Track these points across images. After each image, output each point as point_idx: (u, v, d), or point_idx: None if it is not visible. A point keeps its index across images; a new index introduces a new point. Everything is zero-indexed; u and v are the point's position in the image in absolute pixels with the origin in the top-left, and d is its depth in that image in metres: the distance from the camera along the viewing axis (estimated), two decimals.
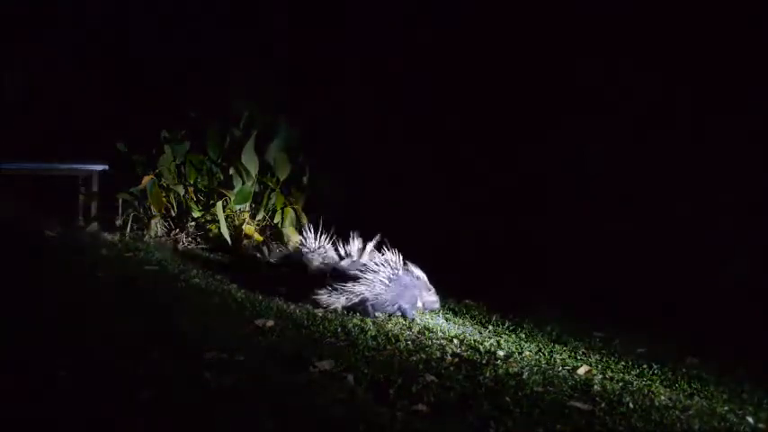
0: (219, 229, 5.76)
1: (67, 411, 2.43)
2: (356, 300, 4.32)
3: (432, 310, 4.60)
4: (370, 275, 4.32)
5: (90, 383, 2.66)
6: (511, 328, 4.52)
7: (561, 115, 5.92)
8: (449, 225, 6.04)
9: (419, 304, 4.49)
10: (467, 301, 4.97)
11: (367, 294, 4.31)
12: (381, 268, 4.36)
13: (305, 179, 6.13)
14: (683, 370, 3.93)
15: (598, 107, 5.76)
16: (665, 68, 5.55)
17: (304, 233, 4.86)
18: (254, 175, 5.91)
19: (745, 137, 5.19)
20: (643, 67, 5.61)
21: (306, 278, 4.56)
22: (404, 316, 4.42)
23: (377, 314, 4.34)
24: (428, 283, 4.54)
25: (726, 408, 3.39)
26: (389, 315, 4.39)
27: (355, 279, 4.30)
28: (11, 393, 2.51)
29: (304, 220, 5.79)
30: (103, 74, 6.54)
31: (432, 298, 4.55)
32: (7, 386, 2.56)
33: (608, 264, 5.27)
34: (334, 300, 4.33)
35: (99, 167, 6.14)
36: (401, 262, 4.44)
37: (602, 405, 3.18)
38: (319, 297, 4.34)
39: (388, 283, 4.35)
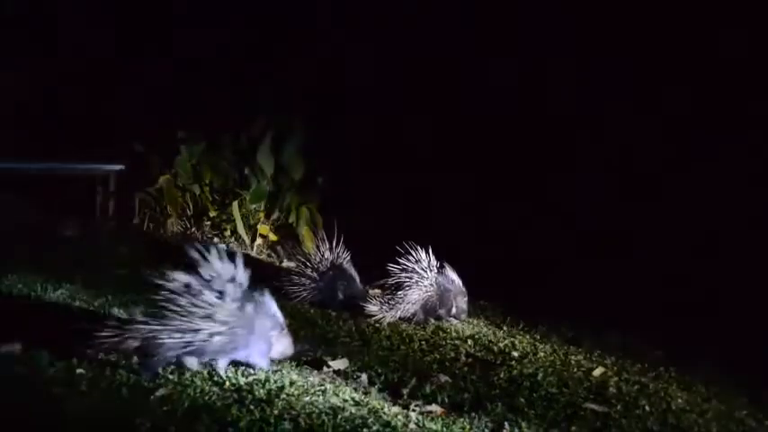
0: (236, 228, 5.79)
1: None
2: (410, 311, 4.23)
3: (458, 317, 4.42)
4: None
5: None
6: (525, 328, 4.49)
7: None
8: (463, 227, 6.02)
9: (453, 310, 4.39)
10: (481, 302, 4.95)
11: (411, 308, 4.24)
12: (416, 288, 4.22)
13: (320, 179, 6.14)
14: (701, 373, 3.89)
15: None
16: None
17: (319, 235, 4.78)
18: (269, 175, 5.93)
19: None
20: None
21: None
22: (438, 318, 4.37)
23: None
24: (462, 287, 4.41)
25: (744, 412, 3.35)
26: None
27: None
28: None
29: (319, 219, 5.80)
30: (121, 74, 6.59)
31: (464, 305, 4.43)
32: None
33: (622, 267, 5.23)
34: (384, 312, 4.19)
35: (116, 167, 6.19)
36: (436, 264, 4.32)
37: (618, 407, 3.16)
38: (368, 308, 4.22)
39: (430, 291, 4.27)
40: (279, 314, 3.01)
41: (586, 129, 5.98)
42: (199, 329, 2.74)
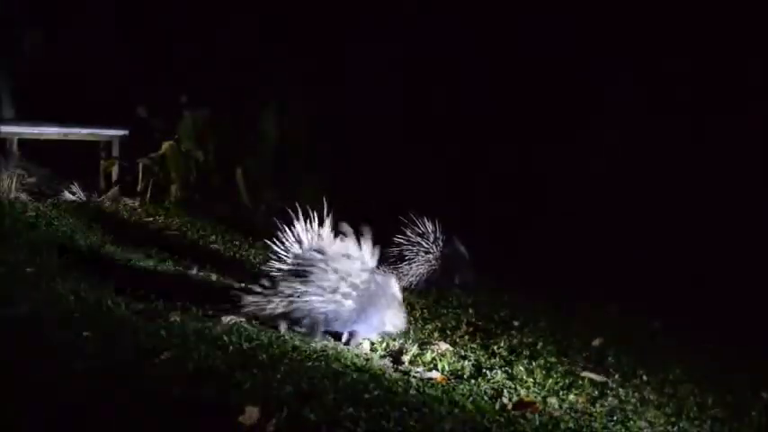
0: (239, 195, 5.80)
1: None
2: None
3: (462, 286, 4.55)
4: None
5: None
6: (527, 298, 4.51)
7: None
8: (468, 198, 6.01)
9: (456, 280, 4.53)
10: (484, 272, 4.95)
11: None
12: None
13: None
14: (701, 345, 3.92)
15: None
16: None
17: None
18: (272, 143, 5.93)
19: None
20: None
21: None
22: None
23: None
24: (467, 258, 4.58)
25: (740, 381, 3.38)
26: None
27: None
28: None
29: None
30: (126, 40, 6.55)
31: (467, 276, 4.56)
32: None
33: (623, 242, 5.25)
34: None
35: (120, 132, 6.16)
36: (441, 237, 4.42)
37: (616, 376, 3.19)
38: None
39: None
40: (398, 292, 3.30)
41: (587, 122, 5.98)
42: (336, 289, 3.02)
